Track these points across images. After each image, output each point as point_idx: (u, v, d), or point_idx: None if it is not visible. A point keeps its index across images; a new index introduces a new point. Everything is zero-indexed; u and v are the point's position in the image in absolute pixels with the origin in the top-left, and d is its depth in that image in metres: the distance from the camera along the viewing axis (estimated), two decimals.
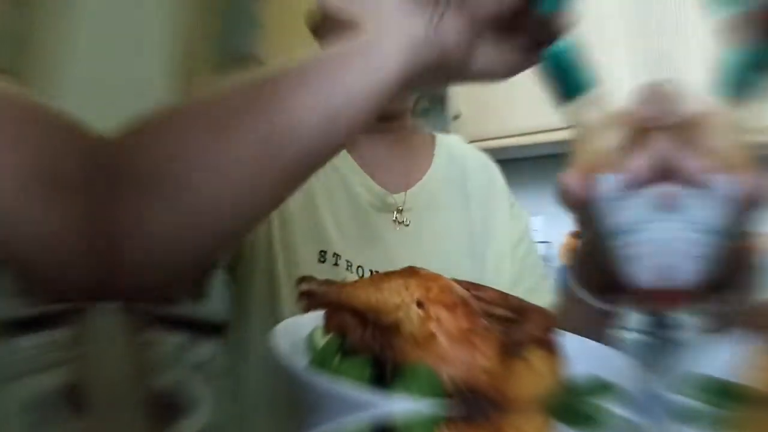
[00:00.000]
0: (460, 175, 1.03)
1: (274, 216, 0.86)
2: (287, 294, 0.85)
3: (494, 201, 1.03)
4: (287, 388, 0.56)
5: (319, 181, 0.90)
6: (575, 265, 0.73)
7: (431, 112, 2.89)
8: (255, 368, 0.88)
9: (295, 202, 0.86)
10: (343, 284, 0.60)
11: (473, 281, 0.61)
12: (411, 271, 0.59)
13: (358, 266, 0.88)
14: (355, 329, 0.59)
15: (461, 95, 2.86)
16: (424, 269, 0.60)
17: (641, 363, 0.59)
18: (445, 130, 2.30)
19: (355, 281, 0.60)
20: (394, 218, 0.94)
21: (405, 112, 0.98)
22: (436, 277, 0.58)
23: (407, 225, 0.94)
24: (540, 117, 2.15)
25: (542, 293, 0.98)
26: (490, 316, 0.58)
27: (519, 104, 2.41)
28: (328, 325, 0.61)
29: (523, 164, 2.87)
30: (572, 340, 0.60)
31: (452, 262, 0.93)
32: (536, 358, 0.55)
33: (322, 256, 0.87)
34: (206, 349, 1.83)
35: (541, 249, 2.53)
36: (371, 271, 0.88)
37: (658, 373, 0.57)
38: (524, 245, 1.03)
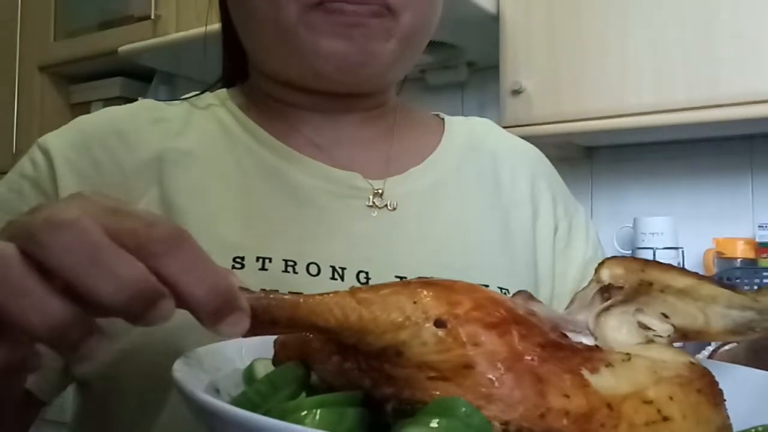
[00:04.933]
0: (487, 168, 0.70)
1: None
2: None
3: (544, 200, 0.71)
4: None
5: (228, 187, 0.60)
6: None
7: (470, 84, 2.04)
8: None
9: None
10: (299, 295, 0.31)
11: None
12: (423, 282, 0.32)
13: (310, 263, 0.56)
14: (329, 357, 0.31)
15: (522, 62, 1.59)
16: (447, 280, 0.32)
17: None
18: (496, 109, 1.63)
19: (322, 294, 0.32)
20: (369, 203, 0.62)
21: (384, 89, 0.68)
22: (469, 288, 0.32)
23: (393, 209, 0.63)
24: (657, 91, 1.42)
25: None
26: (559, 347, 0.29)
27: (618, 74, 1.47)
28: (282, 353, 0.32)
29: (637, 153, 1.82)
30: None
31: (473, 258, 0.62)
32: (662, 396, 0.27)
33: (239, 262, 0.55)
34: None
35: (669, 256, 1.65)
36: (333, 268, 0.57)
37: None
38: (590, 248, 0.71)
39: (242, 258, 0.55)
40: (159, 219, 0.30)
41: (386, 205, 0.62)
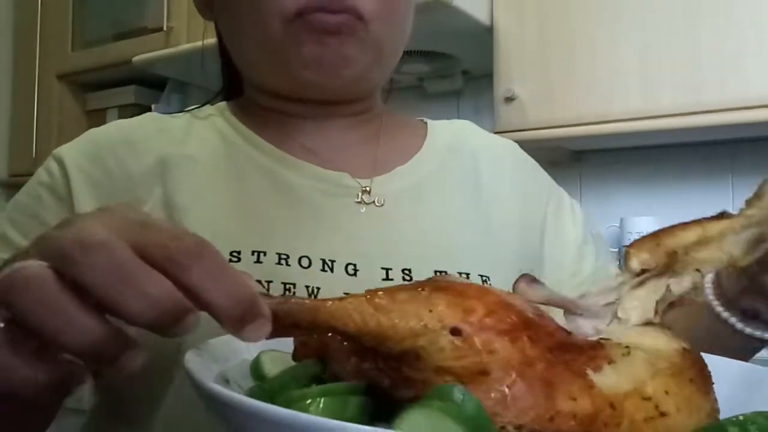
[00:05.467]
0: (468, 167, 0.70)
1: None
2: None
3: (527, 192, 0.71)
4: None
5: (226, 188, 0.61)
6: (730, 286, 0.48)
7: (466, 92, 2.04)
8: None
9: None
10: (318, 300, 0.31)
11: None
12: (435, 286, 0.32)
13: (302, 256, 0.57)
14: (348, 357, 0.31)
15: (515, 71, 1.60)
16: (456, 280, 0.33)
17: None
18: (490, 115, 1.65)
19: (341, 298, 0.32)
20: (358, 199, 0.63)
21: (369, 95, 0.68)
22: (480, 292, 0.31)
23: (380, 205, 0.63)
24: (644, 98, 1.44)
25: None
26: (565, 348, 0.30)
27: (607, 82, 1.48)
28: (301, 350, 0.32)
29: (624, 156, 1.82)
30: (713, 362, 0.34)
31: (455, 250, 0.63)
32: (659, 391, 0.27)
33: (235, 255, 0.56)
34: None
35: None
36: (323, 261, 0.57)
37: None
38: (588, 246, 0.71)
39: (239, 252, 0.56)
40: (183, 232, 0.30)
41: (374, 202, 0.63)
